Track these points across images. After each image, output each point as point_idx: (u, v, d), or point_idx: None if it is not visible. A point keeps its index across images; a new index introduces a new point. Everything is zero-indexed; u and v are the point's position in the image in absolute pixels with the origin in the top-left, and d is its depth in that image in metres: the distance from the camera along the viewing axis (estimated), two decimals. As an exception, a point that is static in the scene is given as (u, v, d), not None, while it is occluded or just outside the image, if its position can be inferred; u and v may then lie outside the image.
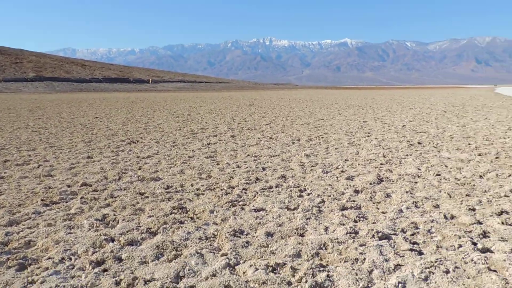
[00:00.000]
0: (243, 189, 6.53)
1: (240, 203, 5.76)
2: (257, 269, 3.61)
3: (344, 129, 15.31)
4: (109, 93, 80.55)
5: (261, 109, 27.59)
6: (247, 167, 8.22)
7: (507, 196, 6.04)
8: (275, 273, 3.58)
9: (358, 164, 8.55)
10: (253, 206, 5.61)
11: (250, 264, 3.72)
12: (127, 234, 4.50)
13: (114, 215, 5.20)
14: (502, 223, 4.89)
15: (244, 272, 3.61)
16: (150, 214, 5.24)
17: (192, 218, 5.17)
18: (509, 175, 7.39)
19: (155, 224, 4.82)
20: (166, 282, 3.40)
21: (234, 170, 7.95)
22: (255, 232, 4.61)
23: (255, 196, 6.12)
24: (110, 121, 19.07)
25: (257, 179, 7.23)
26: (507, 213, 5.27)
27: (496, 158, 9.13)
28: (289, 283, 3.41)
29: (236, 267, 3.72)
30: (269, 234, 4.50)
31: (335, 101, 39.68)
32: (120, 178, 7.32)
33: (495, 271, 3.65)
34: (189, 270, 3.65)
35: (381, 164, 8.58)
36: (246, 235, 4.55)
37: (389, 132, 14.22)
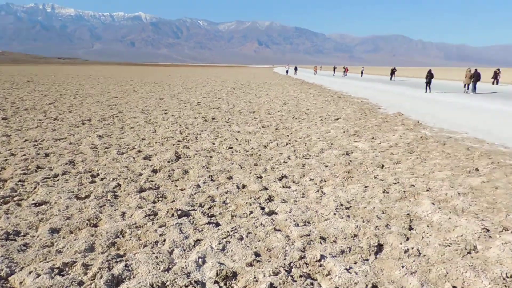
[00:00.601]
0: (20, 181, 5.48)
1: (15, 198, 4.80)
2: (38, 275, 3.03)
3: (140, 107, 14.81)
4: None
5: (43, 87, 24.09)
6: (24, 154, 6.97)
7: (286, 163, 6.93)
8: (63, 275, 3.09)
9: (156, 143, 8.38)
10: (33, 200, 4.76)
11: (29, 271, 3.10)
12: None
13: None
14: (283, 186, 5.56)
15: (21, 282, 2.99)
16: None
17: None
18: (287, 144, 8.53)
19: None
20: None
21: (6, 159, 6.62)
22: (36, 231, 3.91)
23: (35, 187, 5.22)
24: None
25: (38, 167, 6.20)
26: (286, 177, 6.04)
27: (276, 129, 10.42)
28: (81, 283, 3.00)
29: (9, 278, 3.05)
30: (54, 231, 3.88)
31: (130, 78, 38.19)
32: None
33: (280, 230, 4.09)
34: None
35: (179, 141, 8.64)
36: (24, 236, 3.80)
37: (185, 109, 14.50)
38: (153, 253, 3.48)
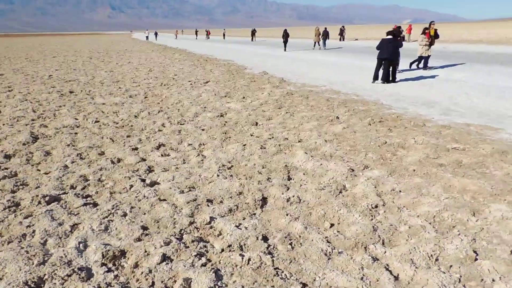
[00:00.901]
0: None
1: None
2: None
3: (-25, 85, 12.48)
4: None
5: None
6: None
7: (161, 131, 6.68)
8: None
9: (4, 125, 7.21)
10: None
11: None
12: None
13: None
14: (162, 155, 5.36)
15: None
16: None
17: None
18: (159, 111, 8.20)
19: None
20: None
21: None
22: None
23: None
24: None
25: None
26: (163, 145, 5.83)
27: (145, 98, 9.91)
28: None
29: None
30: None
31: (-45, 52, 31.81)
32: None
33: (165, 200, 3.95)
34: None
35: (33, 120, 7.58)
36: None
37: (34, 84, 12.73)
38: (22, 247, 3.03)
